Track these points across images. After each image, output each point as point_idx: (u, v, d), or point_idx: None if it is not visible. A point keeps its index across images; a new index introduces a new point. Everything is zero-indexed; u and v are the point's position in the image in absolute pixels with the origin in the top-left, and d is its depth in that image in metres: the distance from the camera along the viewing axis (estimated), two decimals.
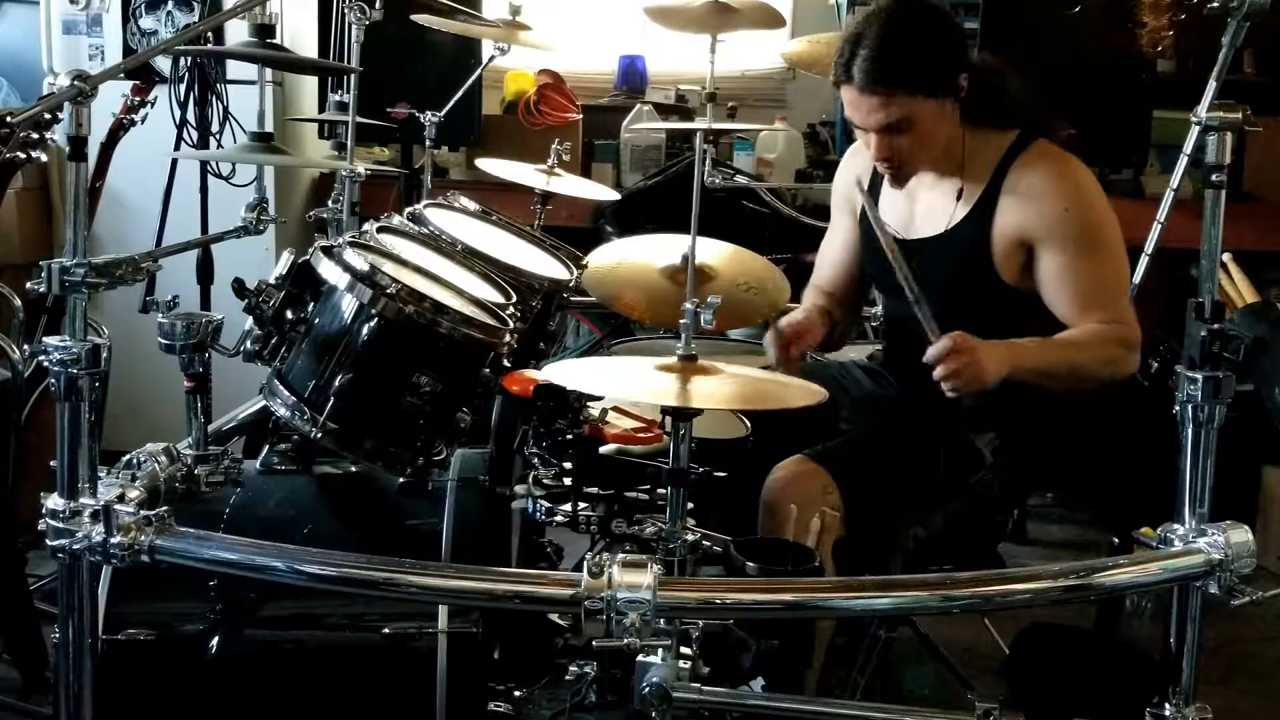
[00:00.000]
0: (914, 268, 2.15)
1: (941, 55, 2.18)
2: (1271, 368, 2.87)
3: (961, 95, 2.20)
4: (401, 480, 1.97)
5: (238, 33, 2.94)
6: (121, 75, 2.43)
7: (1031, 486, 2.43)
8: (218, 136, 3.67)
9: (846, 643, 2.34)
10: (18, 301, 2.84)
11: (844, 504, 2.11)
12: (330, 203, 3.04)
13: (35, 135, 2.50)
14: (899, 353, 2.52)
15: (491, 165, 3.00)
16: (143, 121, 3.11)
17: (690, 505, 1.72)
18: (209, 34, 3.59)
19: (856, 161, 2.52)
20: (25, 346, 2.75)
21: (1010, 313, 2.21)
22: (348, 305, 1.89)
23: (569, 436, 1.94)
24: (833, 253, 2.58)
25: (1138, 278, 1.53)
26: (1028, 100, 2.28)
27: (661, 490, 1.83)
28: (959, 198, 2.28)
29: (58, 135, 2.64)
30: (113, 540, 1.47)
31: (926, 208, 2.35)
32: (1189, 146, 1.50)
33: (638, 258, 2.80)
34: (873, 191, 2.41)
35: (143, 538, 1.48)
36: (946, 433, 2.25)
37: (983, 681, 2.58)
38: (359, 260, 1.88)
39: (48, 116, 2.05)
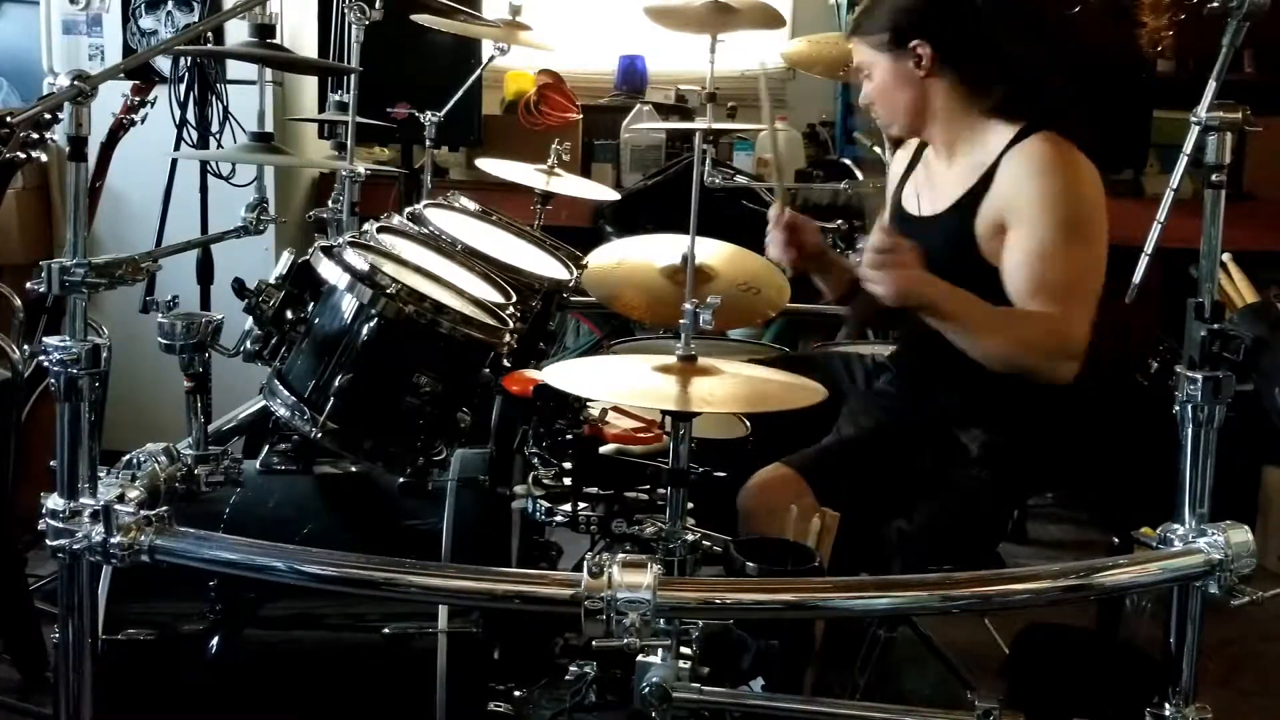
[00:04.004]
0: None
1: (897, 15, 2.30)
2: (1271, 368, 2.87)
3: (921, 65, 2.28)
4: (401, 480, 1.97)
5: (238, 33, 2.94)
6: (121, 75, 2.43)
7: (1024, 483, 2.42)
8: (218, 136, 3.67)
9: (847, 643, 2.34)
10: (18, 301, 2.84)
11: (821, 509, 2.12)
12: (330, 203, 3.04)
13: (35, 135, 2.50)
14: (903, 350, 2.54)
15: (491, 165, 3.00)
16: (143, 121, 3.10)
17: (690, 505, 1.72)
18: (209, 34, 3.59)
19: (902, 152, 2.61)
20: (25, 346, 2.75)
21: (1000, 297, 2.21)
22: (348, 305, 1.89)
23: (569, 436, 1.94)
24: None
25: (1138, 278, 1.53)
26: (1039, 93, 2.29)
27: (661, 490, 1.83)
28: (962, 180, 2.32)
29: (58, 135, 2.63)
30: (113, 540, 1.47)
31: (937, 189, 2.40)
32: (1189, 146, 1.50)
33: (638, 258, 2.81)
34: (910, 170, 2.53)
35: (143, 538, 1.48)
36: (932, 430, 2.25)
37: (983, 681, 2.58)
38: (359, 260, 1.88)
39: (48, 116, 2.04)
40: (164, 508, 1.53)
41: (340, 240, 1.99)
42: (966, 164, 2.31)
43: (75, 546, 1.49)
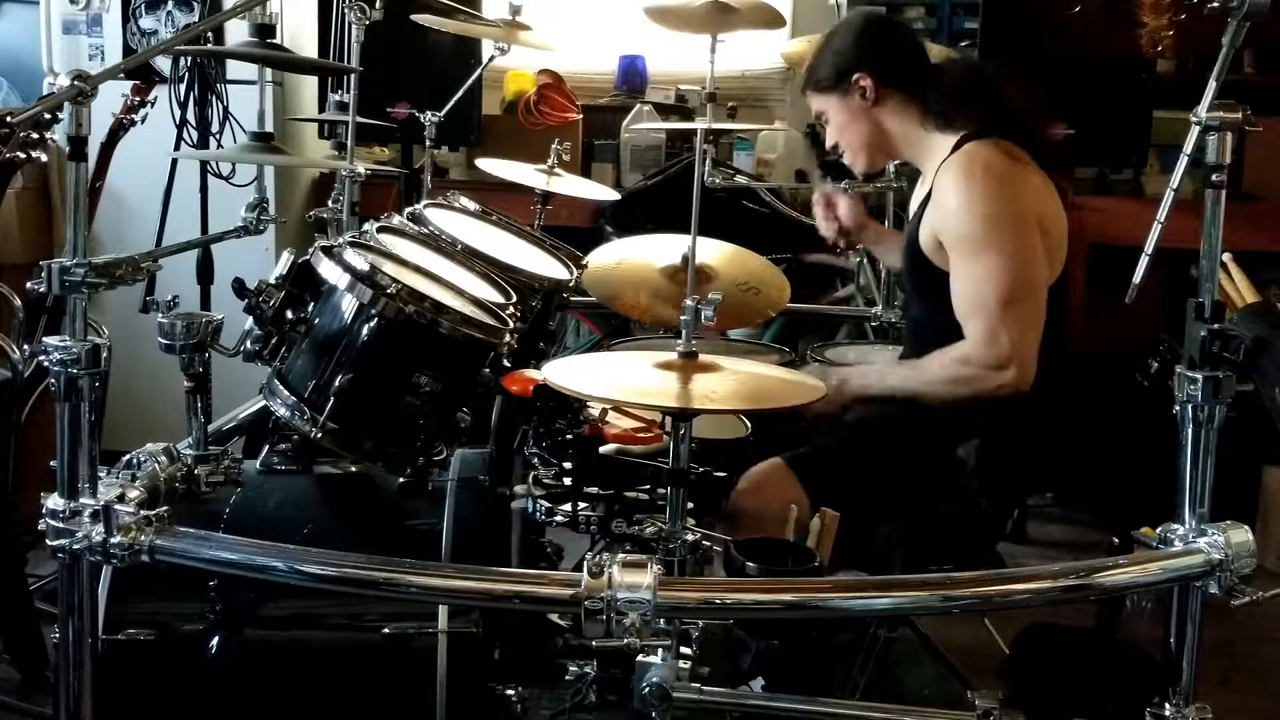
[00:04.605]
0: None
1: (836, 57, 2.42)
2: (1271, 368, 2.87)
3: (867, 96, 2.37)
4: (401, 480, 1.97)
5: (238, 33, 2.94)
6: (121, 75, 2.43)
7: (1018, 490, 2.43)
8: (218, 136, 3.67)
9: (847, 642, 2.35)
10: (18, 301, 2.84)
11: (812, 510, 2.14)
12: (330, 203, 3.03)
13: (35, 135, 2.50)
14: (909, 355, 2.55)
15: (491, 165, 2.99)
16: (143, 121, 3.10)
17: (690, 505, 1.72)
18: (209, 34, 3.59)
19: None
20: (25, 346, 2.75)
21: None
22: (348, 305, 1.89)
23: (569, 436, 1.94)
24: None
25: (1138, 278, 1.53)
26: (971, 105, 2.33)
27: (661, 490, 1.83)
28: (919, 195, 2.43)
29: (58, 135, 2.64)
30: (113, 540, 1.47)
31: (912, 205, 2.52)
32: (1189, 146, 1.50)
33: (638, 258, 2.81)
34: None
35: (143, 538, 1.48)
36: (927, 441, 2.26)
37: (983, 681, 2.58)
38: (359, 260, 1.88)
39: (48, 116, 2.05)
40: (164, 508, 1.53)
41: (340, 240, 1.99)
42: (923, 179, 2.42)
43: (75, 546, 1.49)
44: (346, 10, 2.84)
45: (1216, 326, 1.49)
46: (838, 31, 2.52)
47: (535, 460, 2.00)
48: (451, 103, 3.38)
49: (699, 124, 2.80)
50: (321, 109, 4.01)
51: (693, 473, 1.68)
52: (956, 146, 2.30)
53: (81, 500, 1.51)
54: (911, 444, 2.28)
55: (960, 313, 2.21)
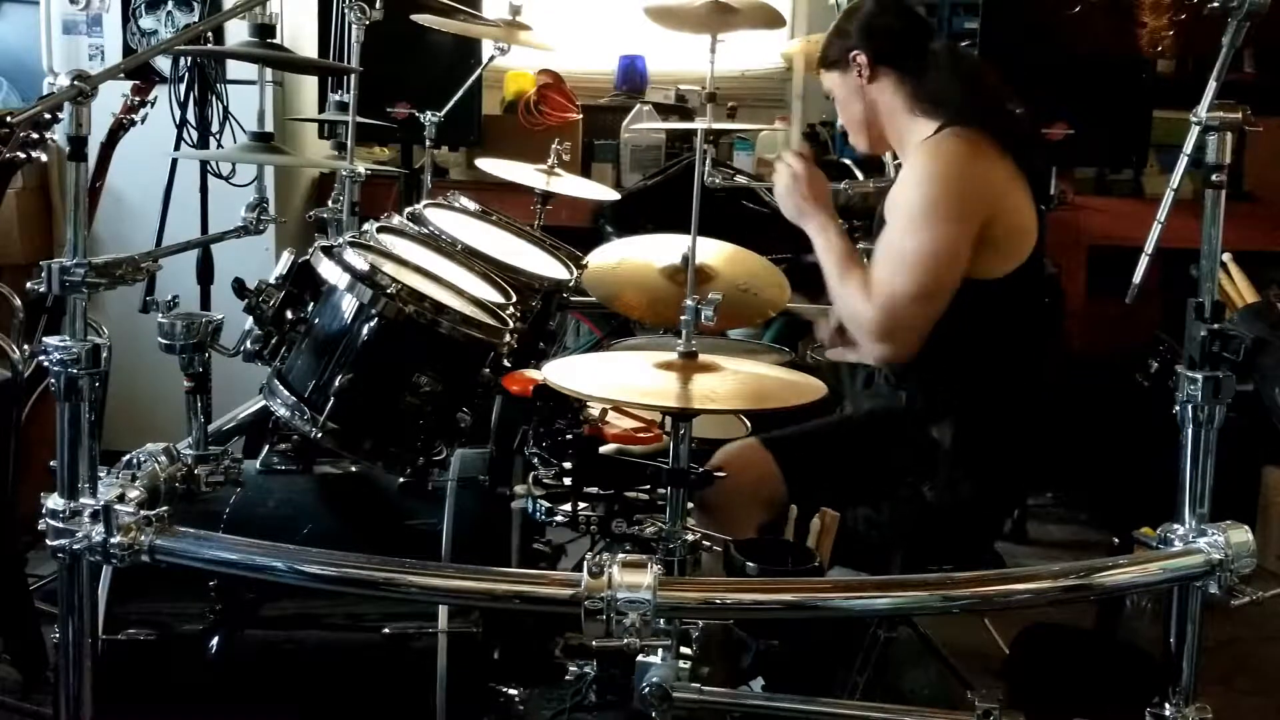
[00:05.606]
0: None
1: (840, 36, 2.47)
2: (1271, 368, 2.87)
3: (862, 74, 2.40)
4: (401, 480, 1.97)
5: (238, 33, 2.94)
6: (121, 75, 2.43)
7: (1006, 481, 2.42)
8: (218, 136, 3.67)
9: (846, 643, 2.35)
10: (18, 301, 2.84)
11: (788, 491, 2.18)
12: (330, 203, 3.03)
13: (35, 135, 2.50)
14: None
15: (491, 165, 2.99)
16: (143, 121, 3.11)
17: (690, 505, 1.72)
18: (209, 34, 3.59)
19: None
20: (25, 346, 2.75)
21: None
22: (348, 305, 1.89)
23: (569, 436, 1.94)
24: None
25: (1138, 278, 1.53)
26: (953, 93, 2.35)
27: (661, 490, 1.83)
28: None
29: (58, 135, 2.64)
30: (113, 540, 1.47)
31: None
32: (1189, 146, 1.50)
33: (638, 258, 2.80)
34: None
35: (143, 538, 1.48)
36: (902, 424, 2.27)
37: (983, 681, 2.58)
38: (359, 260, 1.88)
39: (48, 116, 2.06)
40: (164, 508, 1.53)
41: (340, 240, 1.99)
42: (904, 164, 2.43)
43: (75, 546, 1.48)
44: (346, 10, 2.84)
45: (1216, 326, 1.49)
46: (847, 12, 2.56)
47: (535, 460, 2.00)
48: (451, 103, 3.38)
49: (699, 124, 2.80)
50: (321, 109, 4.01)
51: (693, 473, 1.68)
52: (935, 133, 2.32)
53: (81, 500, 1.50)
54: (889, 432, 2.31)
55: (875, 276, 2.26)
